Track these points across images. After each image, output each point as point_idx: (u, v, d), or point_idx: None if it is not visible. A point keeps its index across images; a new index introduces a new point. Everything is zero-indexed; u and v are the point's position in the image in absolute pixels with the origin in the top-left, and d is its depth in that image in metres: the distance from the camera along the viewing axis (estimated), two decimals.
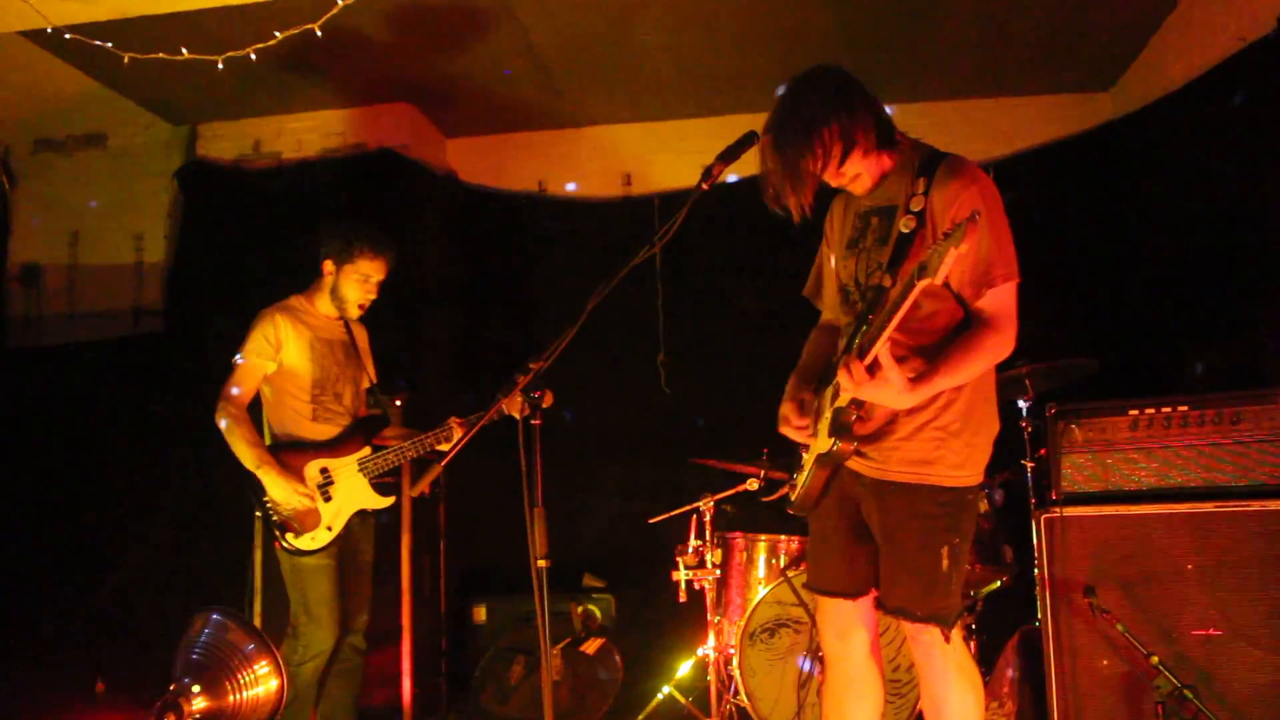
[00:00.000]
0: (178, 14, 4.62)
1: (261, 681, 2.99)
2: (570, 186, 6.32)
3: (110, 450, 5.64)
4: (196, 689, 2.92)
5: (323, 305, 4.08)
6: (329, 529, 3.87)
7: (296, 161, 6.04)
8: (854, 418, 2.62)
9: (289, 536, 3.83)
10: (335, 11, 4.39)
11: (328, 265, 4.03)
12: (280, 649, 4.09)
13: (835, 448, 2.62)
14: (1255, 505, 3.41)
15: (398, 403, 4.77)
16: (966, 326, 2.61)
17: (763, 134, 2.70)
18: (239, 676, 2.97)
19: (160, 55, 4.64)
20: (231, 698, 2.95)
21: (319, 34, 4.46)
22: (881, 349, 2.40)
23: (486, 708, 4.86)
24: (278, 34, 4.49)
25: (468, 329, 6.19)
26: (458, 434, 3.91)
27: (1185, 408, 3.58)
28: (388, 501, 4.03)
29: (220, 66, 4.64)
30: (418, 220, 5.94)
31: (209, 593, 4.68)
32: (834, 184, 2.79)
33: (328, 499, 3.89)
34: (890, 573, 2.70)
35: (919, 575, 2.64)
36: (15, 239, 6.44)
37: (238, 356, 3.90)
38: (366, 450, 4.00)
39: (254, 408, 3.98)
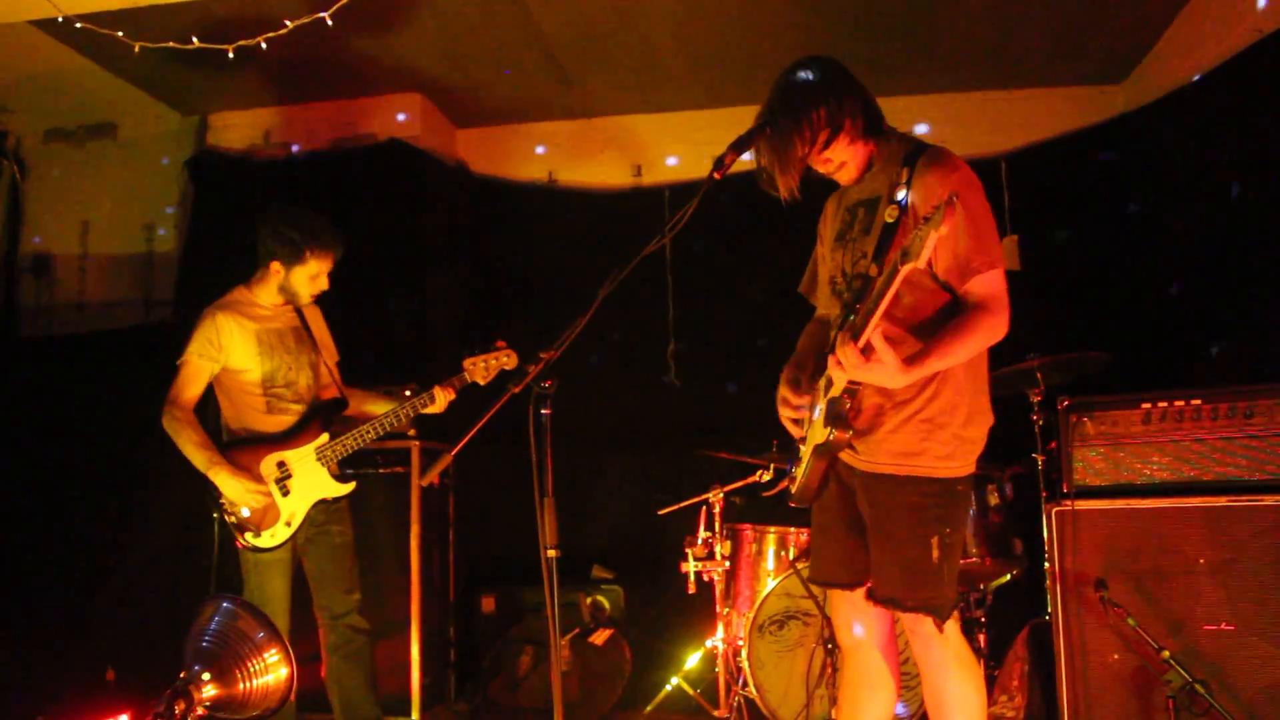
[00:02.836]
0: (188, 3, 4.61)
1: (271, 669, 2.99)
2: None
3: (121, 439, 5.65)
4: (206, 677, 2.92)
5: (266, 296, 4.01)
6: (288, 524, 3.84)
7: (307, 152, 6.03)
8: (847, 407, 2.62)
9: (248, 535, 3.81)
10: (345, 0, 4.38)
11: (275, 266, 3.93)
12: None
13: (831, 437, 2.62)
14: (1268, 500, 3.40)
15: (407, 393, 4.78)
16: (956, 313, 2.61)
17: (756, 119, 2.75)
18: (249, 664, 2.97)
19: (171, 44, 4.64)
20: (241, 685, 2.95)
21: (330, 23, 4.45)
22: (874, 333, 2.42)
23: (495, 698, 4.87)
24: (288, 23, 4.49)
25: (477, 320, 6.18)
26: (440, 395, 3.91)
27: (1198, 401, 3.57)
28: (347, 488, 3.96)
29: (231, 56, 4.64)
30: (427, 211, 5.94)
31: (219, 581, 4.68)
32: (820, 170, 2.83)
33: (286, 493, 3.85)
34: (880, 563, 2.71)
35: (907, 565, 2.65)
36: (27, 229, 6.45)
37: (181, 359, 3.88)
38: (324, 437, 3.92)
39: (211, 407, 3.99)
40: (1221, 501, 3.46)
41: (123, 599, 5.34)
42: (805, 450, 2.84)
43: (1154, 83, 5.32)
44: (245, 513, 3.80)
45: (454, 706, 5.13)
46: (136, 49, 4.62)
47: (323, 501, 3.93)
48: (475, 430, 2.75)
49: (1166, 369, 4.90)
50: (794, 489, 2.92)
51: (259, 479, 3.81)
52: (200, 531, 5.44)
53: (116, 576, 5.42)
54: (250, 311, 3.98)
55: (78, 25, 4.57)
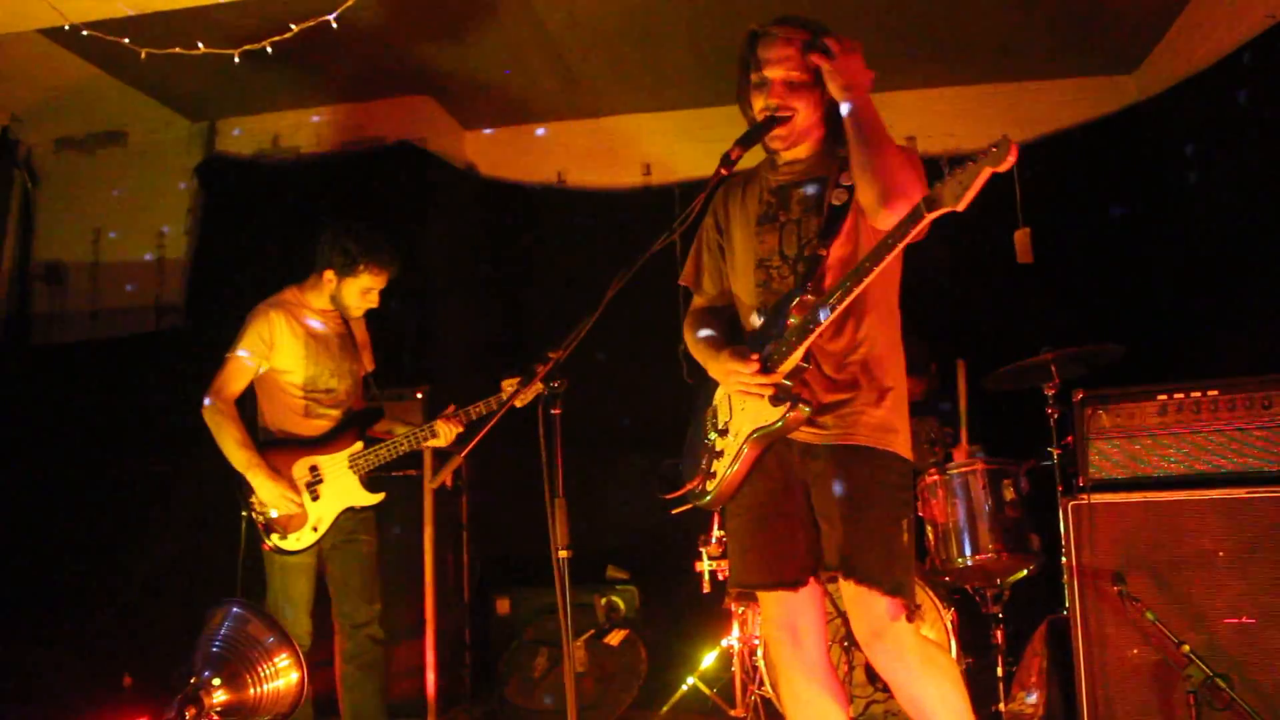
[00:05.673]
0: (193, 9, 4.62)
1: (282, 674, 2.98)
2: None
3: (134, 445, 5.67)
4: (217, 682, 2.91)
5: (318, 300, 4.03)
6: (314, 529, 3.85)
7: (315, 155, 6.04)
8: (789, 385, 2.58)
9: (274, 537, 3.82)
10: (350, 3, 4.38)
11: (328, 274, 3.97)
12: None
13: (789, 415, 2.56)
14: None
15: (419, 395, 4.76)
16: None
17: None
18: (259, 669, 2.96)
19: (176, 50, 4.65)
20: (252, 690, 2.95)
21: (335, 26, 4.45)
22: None
23: (511, 700, 4.86)
24: (293, 26, 4.49)
25: (487, 321, 6.18)
26: (442, 429, 3.91)
27: (1215, 392, 3.52)
28: (376, 498, 3.98)
29: (236, 60, 4.65)
30: (436, 213, 5.94)
31: (233, 586, 4.69)
32: (775, 141, 2.77)
33: (315, 498, 3.87)
34: (856, 541, 2.58)
35: (883, 546, 2.58)
36: (39, 238, 6.48)
37: (230, 352, 3.87)
38: (359, 446, 3.95)
39: (249, 402, 3.98)
40: (1240, 493, 3.42)
41: (138, 605, 5.35)
42: (729, 444, 2.73)
43: (1165, 71, 5.28)
44: (274, 514, 3.81)
45: (470, 709, 5.12)
46: (143, 55, 4.63)
47: (351, 509, 3.94)
48: (486, 431, 2.73)
49: (1182, 360, 4.86)
50: (711, 486, 2.76)
51: (293, 484, 3.83)
52: (214, 536, 5.49)
53: (132, 582, 5.43)
54: (300, 314, 3.99)
55: (84, 33, 4.58)
